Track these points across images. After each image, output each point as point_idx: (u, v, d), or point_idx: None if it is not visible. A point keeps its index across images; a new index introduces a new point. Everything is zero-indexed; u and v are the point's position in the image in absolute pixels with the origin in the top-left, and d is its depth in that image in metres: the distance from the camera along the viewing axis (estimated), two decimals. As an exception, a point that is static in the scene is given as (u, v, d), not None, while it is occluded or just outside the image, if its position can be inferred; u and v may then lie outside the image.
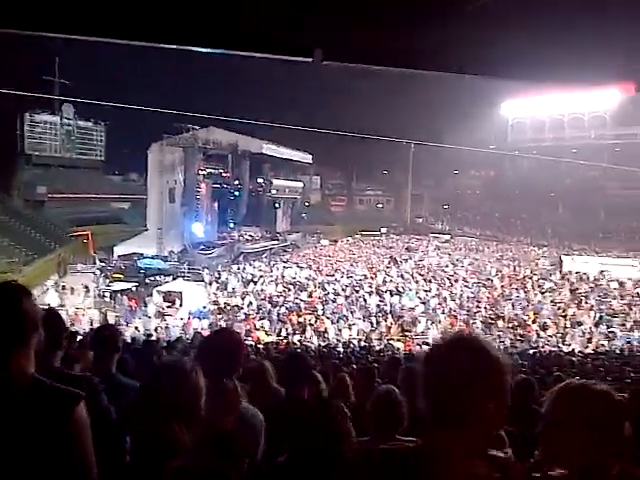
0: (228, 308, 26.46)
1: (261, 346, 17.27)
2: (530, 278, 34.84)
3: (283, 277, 34.31)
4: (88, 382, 2.40)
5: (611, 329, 24.28)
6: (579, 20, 3.20)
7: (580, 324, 24.63)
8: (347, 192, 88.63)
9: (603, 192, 67.34)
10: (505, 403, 1.32)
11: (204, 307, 26.79)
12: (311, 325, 24.02)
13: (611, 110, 66.64)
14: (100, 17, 2.88)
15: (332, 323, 24.33)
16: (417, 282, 32.98)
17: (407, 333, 23.68)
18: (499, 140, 77.58)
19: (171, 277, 33.23)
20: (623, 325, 24.81)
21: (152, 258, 37.72)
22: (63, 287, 30.26)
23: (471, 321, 25.03)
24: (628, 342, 22.28)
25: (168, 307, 27.46)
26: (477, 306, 27.57)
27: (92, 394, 2.26)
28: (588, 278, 34.91)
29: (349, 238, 63.09)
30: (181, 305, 27.43)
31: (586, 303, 28.11)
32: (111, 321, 24.53)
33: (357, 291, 30.09)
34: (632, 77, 5.01)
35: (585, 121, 71.42)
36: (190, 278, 33.63)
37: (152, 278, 32.49)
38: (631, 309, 27.14)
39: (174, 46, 3.14)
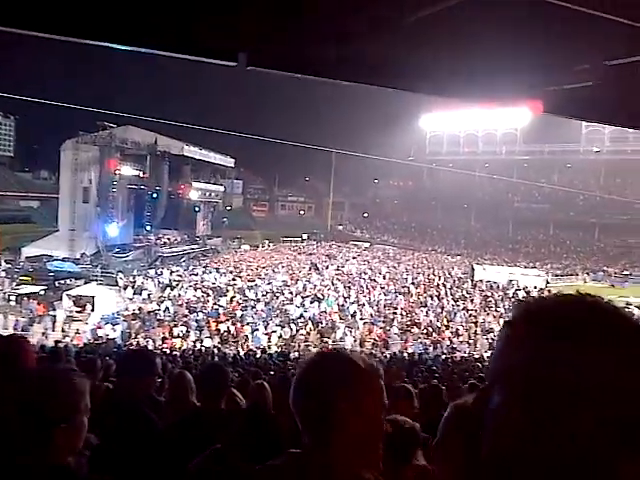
0: (143, 314, 25.63)
1: (177, 353, 16.86)
2: (444, 286, 36.08)
3: (202, 282, 33.67)
4: None
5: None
6: (492, 41, 3.36)
7: (490, 331, 25.76)
8: (269, 197, 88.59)
9: (512, 205, 71.06)
10: (376, 413, 1.28)
11: (117, 312, 25.83)
12: (230, 331, 23.72)
13: (522, 128, 70.46)
14: (17, 8, 2.71)
15: (251, 329, 24.13)
16: (337, 289, 33.35)
17: (326, 339, 23.86)
18: (418, 152, 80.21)
19: (83, 281, 31.81)
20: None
21: (62, 260, 35.97)
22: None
23: (388, 327, 25.60)
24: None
25: (78, 312, 26.26)
26: (394, 312, 28.22)
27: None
28: (498, 287, 36.61)
29: (270, 244, 62.93)
30: (92, 310, 26.30)
31: (496, 311, 29.47)
32: (11, 325, 23.19)
33: (277, 297, 30.03)
34: (540, 96, 5.32)
35: (497, 137, 75.14)
36: (103, 282, 32.29)
37: (62, 281, 30.94)
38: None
39: (93, 42, 3.00)
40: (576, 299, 0.68)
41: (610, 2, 3.87)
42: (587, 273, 50.40)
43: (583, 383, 0.61)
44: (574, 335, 0.63)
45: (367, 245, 65.89)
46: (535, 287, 36.80)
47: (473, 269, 41.76)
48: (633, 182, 65.36)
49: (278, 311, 27.25)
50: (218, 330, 23.81)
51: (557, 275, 48.19)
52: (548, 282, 40.62)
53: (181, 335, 22.96)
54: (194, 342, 22.16)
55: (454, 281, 38.86)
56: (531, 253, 60.61)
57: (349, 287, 34.17)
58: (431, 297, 32.06)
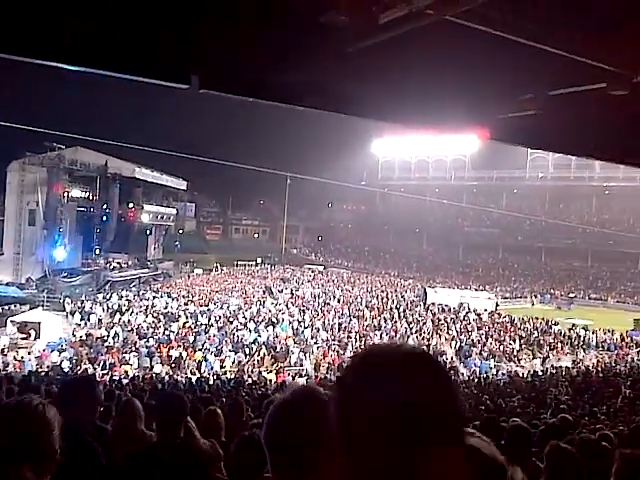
0: (91, 340, 24.81)
1: (126, 381, 16.38)
2: (397, 309, 36.38)
3: (153, 307, 32.93)
4: None
5: (469, 358, 25.98)
6: (440, 70, 3.47)
7: (442, 354, 26.07)
8: (223, 221, 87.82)
9: (462, 229, 72.66)
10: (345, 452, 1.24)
11: (64, 339, 24.95)
12: (182, 357, 23.22)
13: (470, 154, 72.46)
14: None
15: (204, 355, 23.69)
16: (291, 313, 33.18)
17: (280, 364, 23.64)
18: (370, 177, 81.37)
19: (28, 306, 30.65)
20: (480, 354, 26.62)
21: (7, 285, 34.64)
22: None
23: (342, 351, 25.57)
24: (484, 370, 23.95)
25: (23, 339, 25.24)
26: (348, 336, 28.23)
27: None
28: (449, 310, 37.16)
29: (224, 268, 62.29)
30: (38, 337, 25.32)
31: (448, 333, 29.86)
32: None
33: (231, 322, 29.64)
34: (487, 124, 5.51)
35: (447, 163, 77.04)
36: (49, 307, 31.25)
37: (6, 307, 29.76)
38: (487, 339, 29.25)
39: (43, 62, 2.95)
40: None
41: (552, 36, 4.06)
42: (535, 296, 51.82)
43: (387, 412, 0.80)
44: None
45: (321, 269, 65.99)
46: (485, 310, 37.53)
47: (425, 292, 42.30)
48: (576, 207, 68.00)
49: (232, 336, 26.87)
50: (169, 356, 23.27)
51: (506, 298, 49.36)
52: (498, 305, 41.52)
53: (131, 362, 22.33)
54: (145, 369, 21.58)
55: (407, 304, 39.24)
56: (481, 276, 61.91)
57: (303, 311, 34.05)
58: (385, 320, 32.26)
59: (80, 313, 29.94)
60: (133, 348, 23.87)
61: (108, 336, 25.67)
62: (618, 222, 60.91)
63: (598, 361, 26.38)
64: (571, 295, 52.06)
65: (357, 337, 28.19)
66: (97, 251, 45.58)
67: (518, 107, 5.28)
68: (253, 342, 26.00)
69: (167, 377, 19.28)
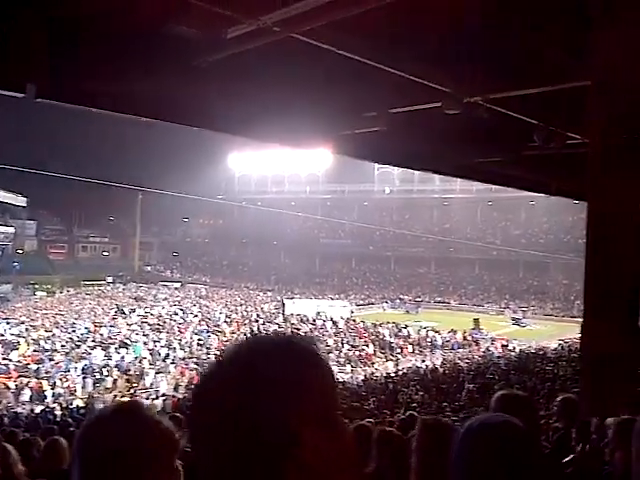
0: None
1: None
2: (257, 322, 36.46)
3: (-12, 335, 29.93)
4: None
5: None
6: (290, 89, 3.59)
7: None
8: (68, 239, 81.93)
9: (318, 241, 74.79)
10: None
11: None
12: (23, 388, 21.26)
13: (324, 169, 74.91)
14: None
15: (49, 384, 21.91)
16: (145, 333, 31.90)
17: (135, 387, 22.57)
18: (227, 190, 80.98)
19: None
20: (337, 362, 27.46)
21: None
22: None
23: (200, 369, 25.00)
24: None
25: None
26: (207, 353, 27.70)
27: None
28: (307, 319, 37.99)
29: (70, 289, 58.22)
30: None
31: (306, 343, 30.41)
32: None
33: (79, 346, 27.79)
34: (335, 140, 5.77)
35: (302, 177, 78.94)
36: None
37: None
38: (343, 345, 30.30)
39: None
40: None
41: (393, 59, 4.37)
42: (386, 302, 54.61)
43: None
44: None
45: (178, 285, 64.23)
46: (341, 317, 38.91)
47: (284, 304, 42.91)
48: (420, 218, 73.01)
49: (80, 361, 25.17)
50: (7, 387, 21.24)
51: (360, 305, 51.48)
52: (352, 312, 43.27)
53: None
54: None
55: (266, 316, 39.46)
56: (336, 285, 64.00)
57: (159, 330, 32.89)
58: (244, 334, 32.09)
59: None
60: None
61: None
62: (456, 231, 66.32)
63: (444, 360, 28.37)
64: (418, 299, 55.55)
65: (216, 353, 27.69)
66: None
67: (363, 124, 5.61)
68: (104, 366, 24.58)
69: (5, 411, 17.54)
